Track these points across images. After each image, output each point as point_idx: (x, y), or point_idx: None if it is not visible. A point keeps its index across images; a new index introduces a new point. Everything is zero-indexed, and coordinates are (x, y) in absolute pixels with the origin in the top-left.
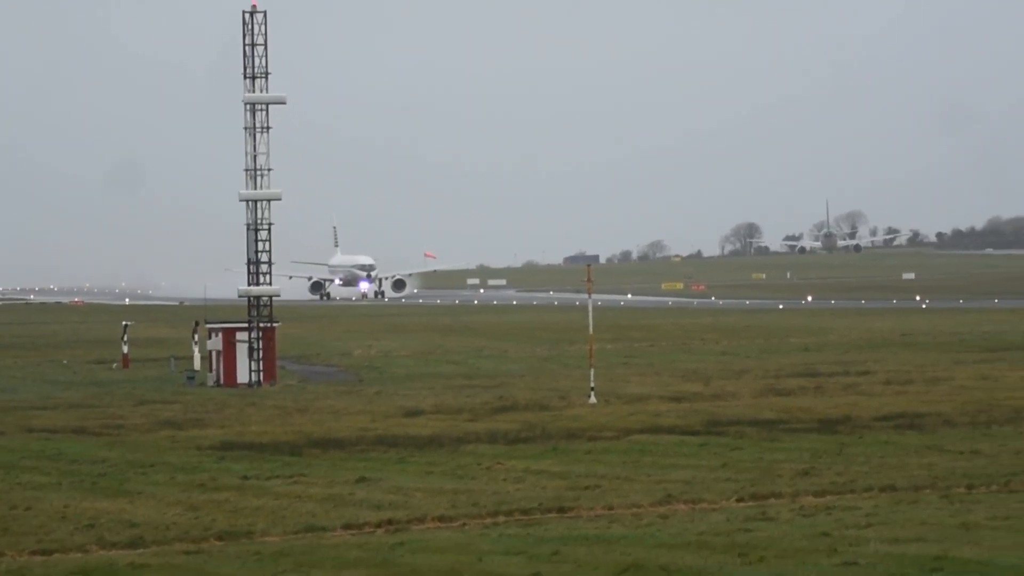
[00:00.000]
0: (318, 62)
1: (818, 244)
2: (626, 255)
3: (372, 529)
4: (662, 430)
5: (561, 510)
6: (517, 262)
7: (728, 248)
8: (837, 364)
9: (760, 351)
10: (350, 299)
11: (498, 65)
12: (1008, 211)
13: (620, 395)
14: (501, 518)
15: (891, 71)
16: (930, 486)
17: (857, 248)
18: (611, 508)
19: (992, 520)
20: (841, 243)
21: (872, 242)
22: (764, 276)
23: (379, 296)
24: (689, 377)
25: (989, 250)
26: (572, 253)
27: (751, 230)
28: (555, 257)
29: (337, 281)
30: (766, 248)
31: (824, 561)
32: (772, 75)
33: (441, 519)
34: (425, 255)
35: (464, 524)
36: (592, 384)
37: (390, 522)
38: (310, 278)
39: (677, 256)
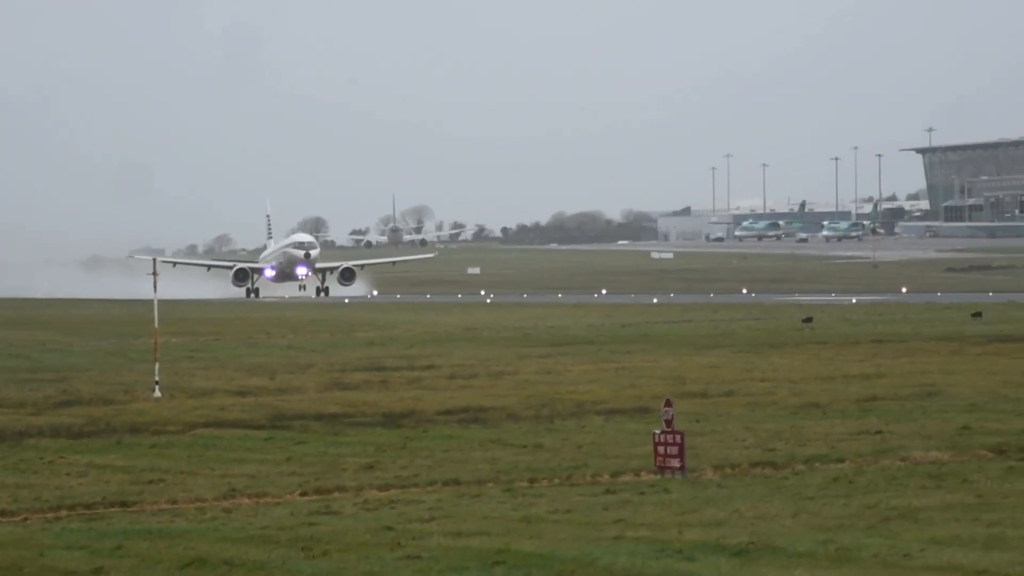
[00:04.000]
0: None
1: (384, 238)
2: (192, 248)
3: None
4: (227, 424)
5: (124, 504)
6: (83, 256)
7: None
8: (402, 358)
9: (326, 345)
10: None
11: None
12: (571, 207)
13: (185, 389)
14: (64, 512)
15: (449, 71)
16: (493, 480)
17: (423, 242)
18: (175, 502)
19: (554, 513)
20: (407, 237)
21: (438, 236)
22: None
23: (322, 293)
24: (254, 371)
25: (553, 245)
26: (138, 246)
27: (318, 224)
28: (120, 251)
29: (268, 272)
30: (332, 242)
31: (387, 555)
32: (340, 74)
33: (2, 514)
34: None
35: (26, 519)
36: (157, 378)
37: None
38: (232, 265)
39: (243, 250)
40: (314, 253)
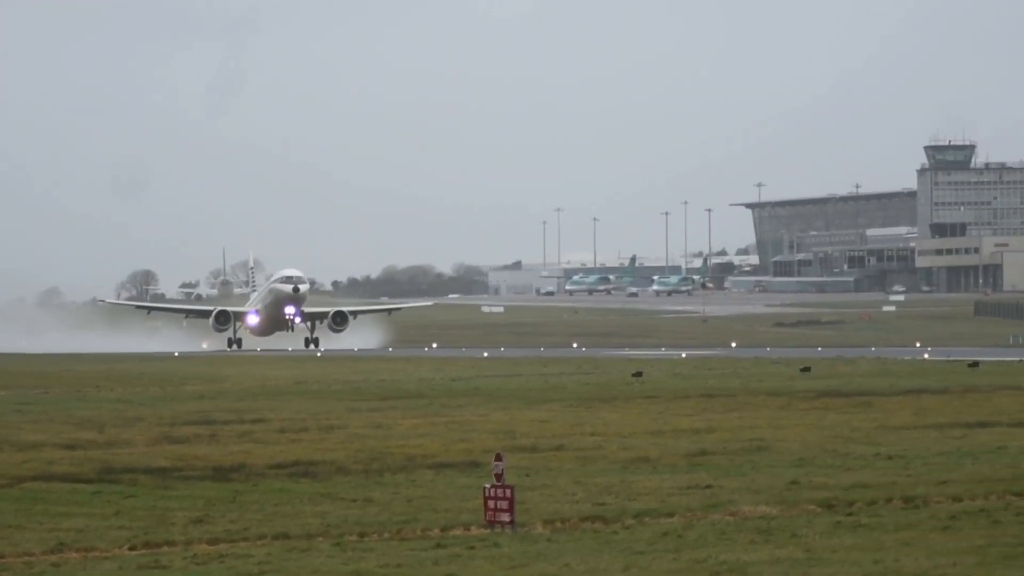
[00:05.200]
0: None
1: (215, 291)
2: (21, 301)
3: None
4: (55, 478)
5: None
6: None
7: (124, 295)
8: (232, 412)
9: (155, 399)
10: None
11: None
12: (403, 260)
13: (13, 442)
14: None
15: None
16: (323, 534)
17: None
18: (2, 557)
19: (384, 568)
20: (238, 290)
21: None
22: (160, 325)
23: (311, 344)
24: (83, 425)
25: (384, 298)
26: None
27: (147, 277)
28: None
29: (251, 319)
30: (163, 295)
31: None
32: (148, 128)
33: None
34: None
35: None
36: None
37: None
38: (211, 310)
39: (73, 303)
40: (303, 288)
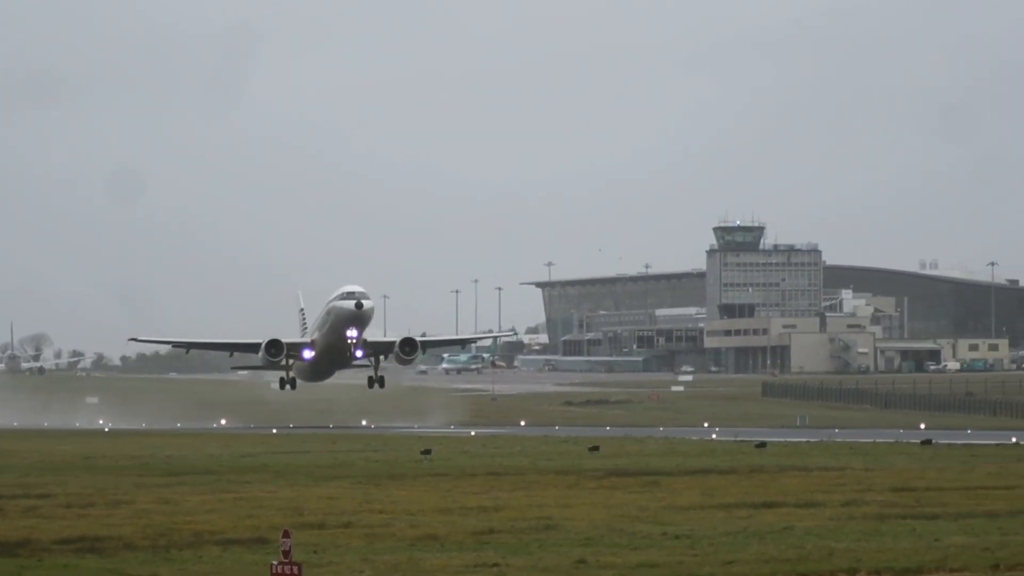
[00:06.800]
0: None
1: (2, 366)
2: None
3: None
4: None
5: None
6: None
7: None
8: (18, 487)
9: None
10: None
11: None
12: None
13: None
14: None
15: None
16: None
17: (41, 371)
18: None
19: None
20: (25, 365)
21: (57, 364)
22: None
23: (376, 383)
24: None
25: (173, 374)
26: None
27: None
28: None
29: (306, 354)
30: None
31: None
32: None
33: None
34: None
35: None
36: None
37: None
38: (259, 343)
39: None
40: (367, 305)
